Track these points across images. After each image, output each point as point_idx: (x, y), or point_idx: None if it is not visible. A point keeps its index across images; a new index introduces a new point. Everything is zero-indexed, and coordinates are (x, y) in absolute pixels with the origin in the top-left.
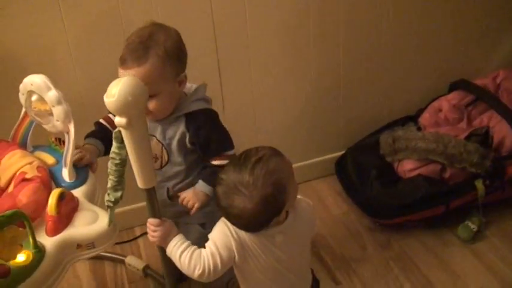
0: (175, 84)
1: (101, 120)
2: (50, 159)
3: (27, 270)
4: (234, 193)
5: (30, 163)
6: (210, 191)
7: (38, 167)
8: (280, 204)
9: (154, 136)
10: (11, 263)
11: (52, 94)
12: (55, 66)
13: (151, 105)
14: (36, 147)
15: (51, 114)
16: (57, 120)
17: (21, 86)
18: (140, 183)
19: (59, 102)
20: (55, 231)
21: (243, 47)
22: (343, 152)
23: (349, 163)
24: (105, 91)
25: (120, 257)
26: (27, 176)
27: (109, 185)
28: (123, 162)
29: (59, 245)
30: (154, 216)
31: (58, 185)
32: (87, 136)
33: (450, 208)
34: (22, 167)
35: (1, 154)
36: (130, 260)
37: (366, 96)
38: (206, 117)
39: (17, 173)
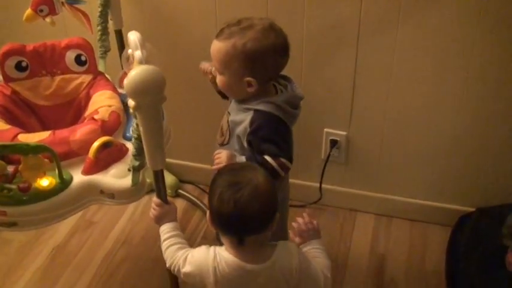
0: (242, 80)
1: None
2: None
3: (46, 193)
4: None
5: (110, 106)
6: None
7: (112, 112)
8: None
9: (229, 113)
10: (35, 184)
11: (137, 54)
12: None
13: (217, 79)
14: None
15: None
16: None
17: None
18: (149, 163)
19: (140, 63)
20: (88, 171)
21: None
22: (473, 209)
23: (470, 224)
24: None
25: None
26: (96, 117)
27: (131, 151)
28: (141, 138)
29: (84, 184)
30: (159, 196)
31: (124, 132)
32: None
33: None
34: (101, 107)
35: (97, 89)
36: None
37: None
38: (268, 120)
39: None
